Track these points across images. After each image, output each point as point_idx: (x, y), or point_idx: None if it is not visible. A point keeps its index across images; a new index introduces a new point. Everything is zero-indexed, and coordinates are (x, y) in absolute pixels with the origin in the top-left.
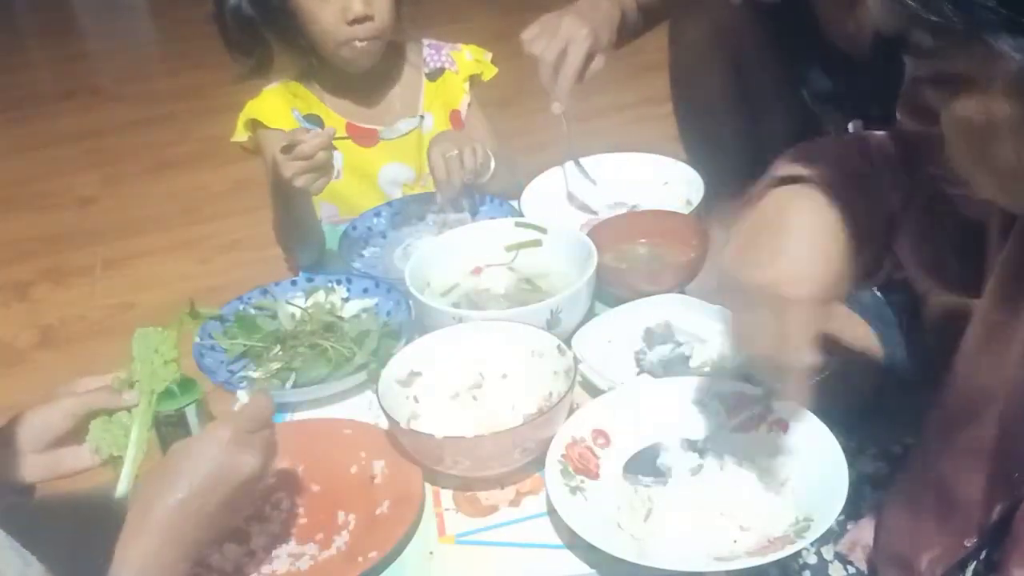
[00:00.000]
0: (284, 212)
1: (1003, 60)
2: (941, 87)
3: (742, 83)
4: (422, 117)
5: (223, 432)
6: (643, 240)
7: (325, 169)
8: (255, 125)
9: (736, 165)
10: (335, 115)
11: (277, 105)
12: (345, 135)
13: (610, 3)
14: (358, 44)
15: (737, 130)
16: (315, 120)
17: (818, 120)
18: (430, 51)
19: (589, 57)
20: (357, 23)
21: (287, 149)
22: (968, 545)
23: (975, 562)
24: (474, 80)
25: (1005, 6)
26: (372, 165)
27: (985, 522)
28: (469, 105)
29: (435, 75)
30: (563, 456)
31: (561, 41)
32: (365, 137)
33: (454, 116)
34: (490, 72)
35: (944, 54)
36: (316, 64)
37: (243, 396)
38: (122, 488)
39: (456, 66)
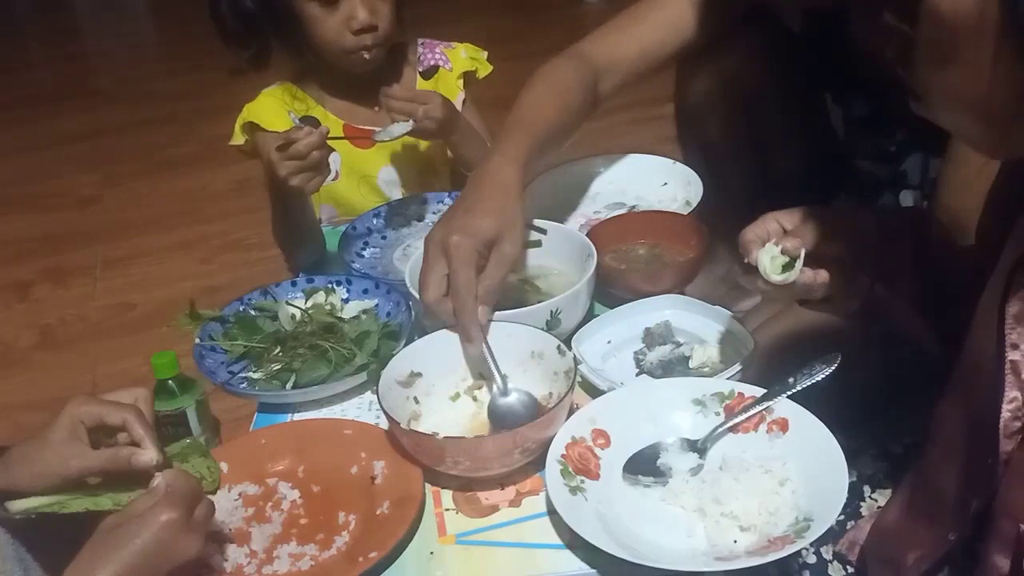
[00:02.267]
0: (283, 213)
1: None
2: None
3: (752, 124)
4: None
5: (167, 513)
6: (642, 241)
7: (320, 168)
8: (252, 128)
9: (743, 200)
10: (332, 117)
11: (274, 108)
12: (341, 135)
13: (514, 170)
14: (362, 54)
15: (747, 171)
16: (312, 123)
17: (848, 146)
18: (423, 50)
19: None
20: (363, 32)
21: (282, 148)
22: (952, 539)
23: (958, 555)
24: (468, 77)
25: None
26: (371, 167)
27: (966, 514)
28: (464, 102)
29: (429, 73)
30: (563, 456)
31: (441, 273)
32: (363, 139)
33: None
34: (485, 69)
35: None
36: (314, 65)
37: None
38: (20, 506)
39: (450, 64)
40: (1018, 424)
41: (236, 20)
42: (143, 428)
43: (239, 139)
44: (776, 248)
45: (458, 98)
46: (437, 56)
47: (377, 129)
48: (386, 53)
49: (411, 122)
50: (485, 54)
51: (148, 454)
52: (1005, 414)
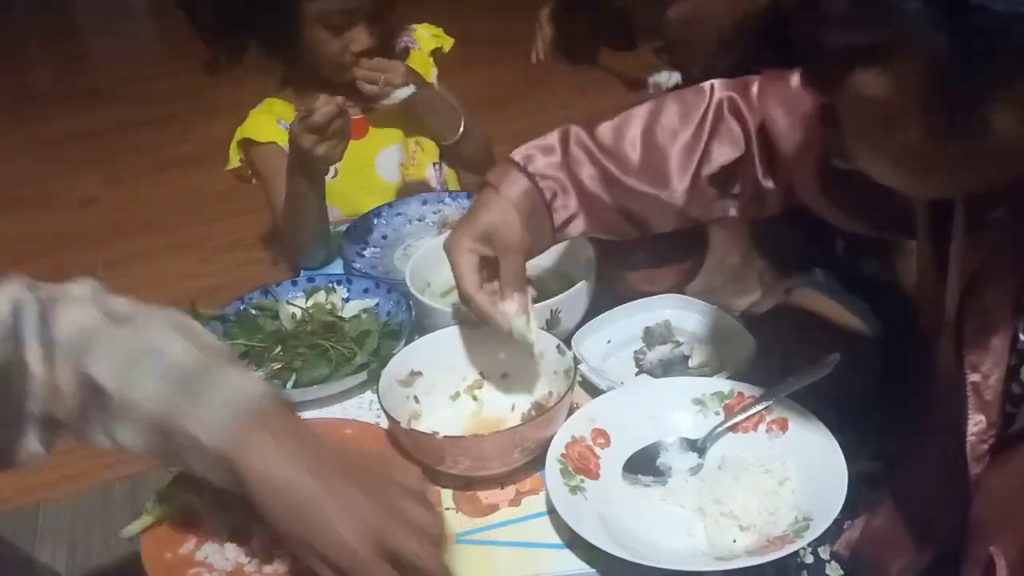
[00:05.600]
0: (301, 202)
1: (917, 33)
2: (845, 59)
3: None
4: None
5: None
6: (642, 240)
7: (342, 135)
8: (247, 145)
9: None
10: None
11: (264, 121)
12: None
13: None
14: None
15: None
16: None
17: None
18: None
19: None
20: (363, 55)
21: (304, 119)
22: (929, 556)
23: (939, 568)
24: (436, 54)
25: None
26: (366, 156)
27: (942, 532)
28: (438, 77)
29: (401, 56)
30: (563, 456)
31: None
32: (354, 128)
33: None
34: (448, 43)
35: (857, 21)
36: (300, 71)
37: None
38: (132, 530)
39: (418, 44)
40: (984, 447)
41: (209, 14)
42: None
43: (234, 162)
44: None
45: (432, 74)
46: (405, 38)
47: (386, 99)
48: None
49: (411, 86)
50: (441, 30)
51: None
52: (971, 438)
